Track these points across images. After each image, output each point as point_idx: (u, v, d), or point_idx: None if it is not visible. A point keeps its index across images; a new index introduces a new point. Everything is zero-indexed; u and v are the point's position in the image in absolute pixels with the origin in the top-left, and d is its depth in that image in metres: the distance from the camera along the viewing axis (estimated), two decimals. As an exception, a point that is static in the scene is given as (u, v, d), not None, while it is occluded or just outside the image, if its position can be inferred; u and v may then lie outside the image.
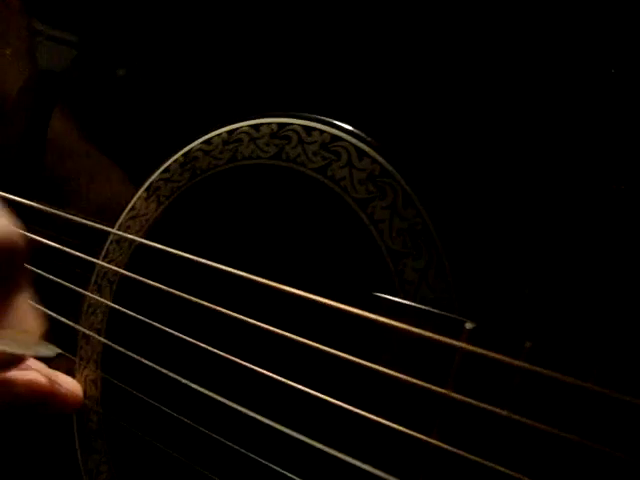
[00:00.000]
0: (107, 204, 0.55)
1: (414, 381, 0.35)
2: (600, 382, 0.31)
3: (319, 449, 0.38)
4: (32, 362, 0.52)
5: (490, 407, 0.33)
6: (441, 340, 0.34)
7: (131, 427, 0.50)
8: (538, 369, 0.32)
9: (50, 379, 0.51)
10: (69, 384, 0.53)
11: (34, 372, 0.50)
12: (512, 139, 0.37)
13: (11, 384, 0.48)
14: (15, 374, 0.48)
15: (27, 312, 0.45)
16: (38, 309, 0.45)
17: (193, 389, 0.46)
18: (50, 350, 0.49)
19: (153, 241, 0.50)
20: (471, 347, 0.34)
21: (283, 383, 0.40)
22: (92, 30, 0.62)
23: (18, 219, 0.45)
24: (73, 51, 0.63)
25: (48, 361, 0.53)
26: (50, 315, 0.54)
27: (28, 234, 0.55)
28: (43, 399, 0.50)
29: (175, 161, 0.50)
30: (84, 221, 0.53)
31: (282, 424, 0.40)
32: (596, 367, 0.31)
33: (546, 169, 0.35)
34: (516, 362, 0.32)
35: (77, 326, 0.53)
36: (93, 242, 0.53)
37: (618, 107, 0.34)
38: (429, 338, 0.35)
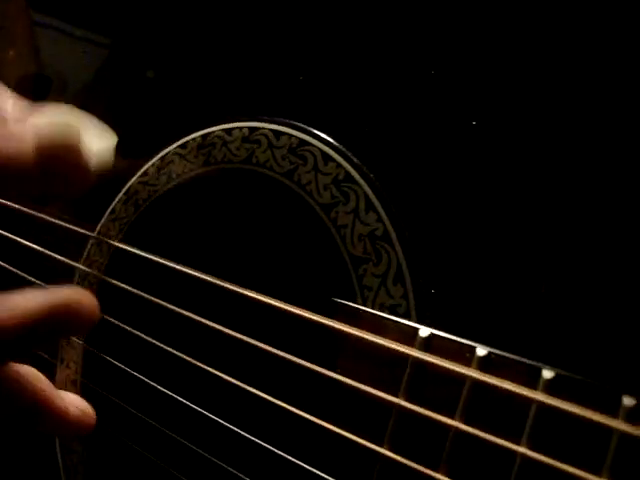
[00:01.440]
0: (95, 196, 0.55)
1: (366, 389, 0.34)
2: (551, 391, 0.30)
3: (272, 452, 0.38)
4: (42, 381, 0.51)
5: (440, 417, 0.32)
6: (393, 348, 0.34)
7: (107, 428, 0.51)
8: (488, 379, 0.31)
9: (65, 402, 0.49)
10: (80, 406, 0.51)
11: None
12: (476, 144, 0.36)
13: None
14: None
15: None
16: None
17: (169, 393, 0.46)
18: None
19: (131, 244, 0.50)
20: (422, 355, 0.33)
21: (244, 388, 0.40)
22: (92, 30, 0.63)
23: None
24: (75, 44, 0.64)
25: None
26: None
27: (10, 235, 0.56)
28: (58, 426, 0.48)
29: (152, 165, 0.50)
30: (65, 225, 0.53)
31: (249, 430, 0.40)
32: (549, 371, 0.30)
33: (507, 176, 0.35)
34: (467, 372, 0.32)
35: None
36: (75, 244, 0.54)
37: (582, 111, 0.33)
38: (382, 346, 0.34)
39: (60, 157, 0.38)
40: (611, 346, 0.31)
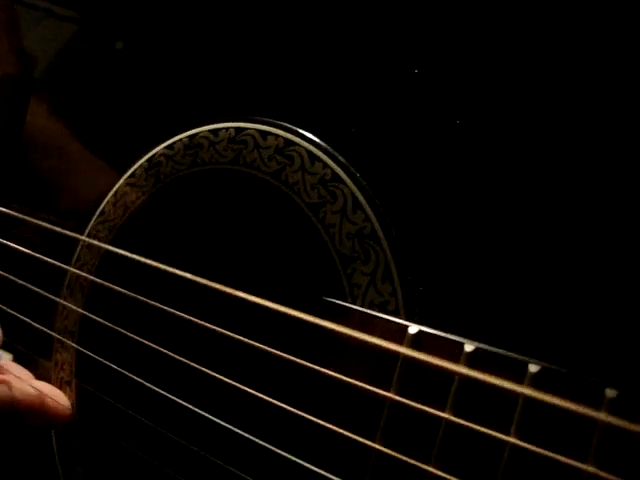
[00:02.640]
0: (86, 198, 0.55)
1: (357, 384, 0.35)
2: (536, 384, 0.31)
3: (267, 449, 0.39)
4: (20, 372, 0.53)
5: (431, 410, 0.33)
6: (383, 346, 0.34)
7: (105, 429, 0.51)
8: (475, 374, 0.32)
9: (40, 392, 0.51)
10: (59, 398, 0.53)
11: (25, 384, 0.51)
12: (462, 142, 0.37)
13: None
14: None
15: None
16: None
17: (163, 393, 0.46)
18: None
19: (121, 246, 0.51)
20: (412, 352, 0.34)
21: (237, 387, 0.41)
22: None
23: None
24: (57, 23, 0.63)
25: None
26: (25, 319, 0.55)
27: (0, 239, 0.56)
28: (31, 411, 0.51)
29: (140, 166, 0.51)
30: (54, 228, 0.53)
31: (244, 428, 0.41)
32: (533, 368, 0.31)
33: (492, 172, 0.35)
34: (456, 367, 0.33)
35: (50, 331, 0.54)
36: (66, 245, 0.54)
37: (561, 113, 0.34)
38: (372, 343, 0.35)
39: None
40: (595, 340, 0.32)
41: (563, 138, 0.34)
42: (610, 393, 0.29)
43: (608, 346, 0.31)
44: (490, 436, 0.31)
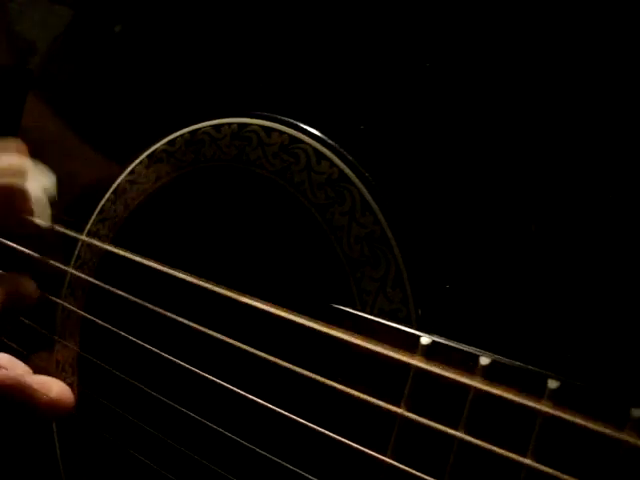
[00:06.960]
0: (84, 194, 0.53)
1: (367, 398, 0.34)
2: (556, 401, 0.29)
3: (276, 463, 0.37)
4: (18, 367, 0.52)
5: (443, 428, 0.32)
6: (395, 358, 0.33)
7: (106, 430, 0.50)
8: (493, 389, 0.31)
9: (35, 382, 0.50)
10: (58, 388, 0.52)
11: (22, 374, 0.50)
12: (477, 140, 0.35)
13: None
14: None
15: None
16: None
17: (162, 396, 0.45)
18: None
19: (123, 244, 0.49)
20: (424, 365, 0.32)
21: (241, 393, 0.39)
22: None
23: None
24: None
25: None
26: (26, 321, 0.53)
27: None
28: (25, 400, 0.50)
29: (140, 163, 0.49)
30: (53, 226, 0.52)
31: (241, 435, 0.40)
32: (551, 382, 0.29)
33: (505, 176, 0.33)
34: (470, 382, 0.31)
35: (52, 336, 0.52)
36: (66, 244, 0.53)
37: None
38: (383, 354, 0.33)
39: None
40: (614, 352, 0.30)
41: (594, 150, 0.32)
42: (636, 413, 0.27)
43: (627, 360, 0.29)
44: (506, 457, 0.30)
